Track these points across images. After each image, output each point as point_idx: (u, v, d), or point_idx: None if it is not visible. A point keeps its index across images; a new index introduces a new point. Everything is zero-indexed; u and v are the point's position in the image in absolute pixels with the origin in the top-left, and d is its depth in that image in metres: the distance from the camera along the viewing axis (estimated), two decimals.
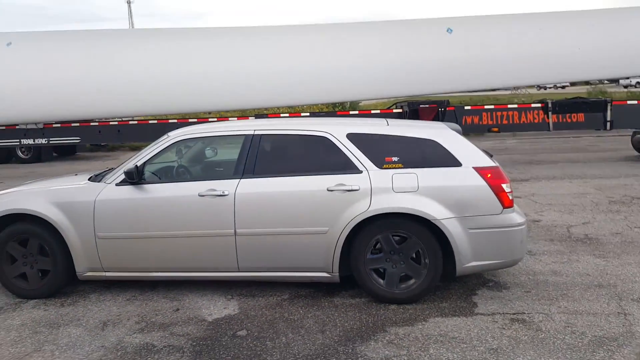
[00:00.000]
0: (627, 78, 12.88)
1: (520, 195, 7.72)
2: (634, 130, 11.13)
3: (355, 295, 3.95)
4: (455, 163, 3.83)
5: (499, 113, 11.06)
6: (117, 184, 4.08)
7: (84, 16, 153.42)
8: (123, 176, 4.04)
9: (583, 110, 10.74)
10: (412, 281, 3.78)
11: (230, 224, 3.86)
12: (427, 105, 10.61)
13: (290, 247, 3.84)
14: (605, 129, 10.74)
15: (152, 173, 4.18)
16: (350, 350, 3.12)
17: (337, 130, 4.03)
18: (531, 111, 10.95)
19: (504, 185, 3.78)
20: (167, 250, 3.98)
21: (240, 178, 3.94)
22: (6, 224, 4.16)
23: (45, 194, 4.19)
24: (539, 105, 10.92)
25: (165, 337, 3.40)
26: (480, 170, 3.79)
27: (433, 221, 3.68)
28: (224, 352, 3.16)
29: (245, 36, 11.30)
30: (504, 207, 3.74)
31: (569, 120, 10.80)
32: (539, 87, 33.86)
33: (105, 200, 4.03)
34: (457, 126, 4.26)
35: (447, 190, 3.74)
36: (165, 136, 4.32)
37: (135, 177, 3.98)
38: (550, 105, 10.72)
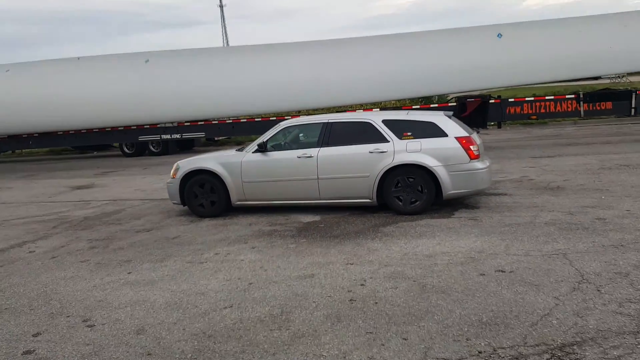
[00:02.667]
0: None
1: (535, 166, 10.03)
2: None
3: (385, 213, 6.83)
4: (444, 134, 6.58)
5: (537, 103, 13.16)
6: (252, 152, 7.32)
7: (180, 20, 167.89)
8: (256, 147, 7.28)
9: (611, 99, 12.52)
10: (417, 202, 6.60)
11: (314, 172, 6.92)
12: (472, 99, 13.01)
13: (349, 184, 6.83)
14: (631, 115, 12.42)
15: (271, 146, 7.35)
16: (375, 230, 6.04)
17: (376, 117, 6.97)
18: (565, 101, 12.92)
19: (471, 147, 6.47)
20: (280, 188, 7.14)
21: (320, 147, 6.99)
22: (192, 176, 7.56)
23: (214, 158, 7.57)
24: (572, 95, 12.85)
25: (283, 228, 6.53)
26: (457, 138, 6.51)
27: (429, 168, 6.48)
28: (313, 231, 6.21)
29: (327, 47, 14.43)
30: (471, 159, 6.44)
31: (598, 108, 12.62)
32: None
33: (247, 161, 7.29)
34: (450, 113, 6.99)
35: (437, 150, 6.51)
36: (277, 125, 7.52)
37: (262, 148, 7.20)
38: (581, 95, 12.63)
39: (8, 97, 15.46)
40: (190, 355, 3.28)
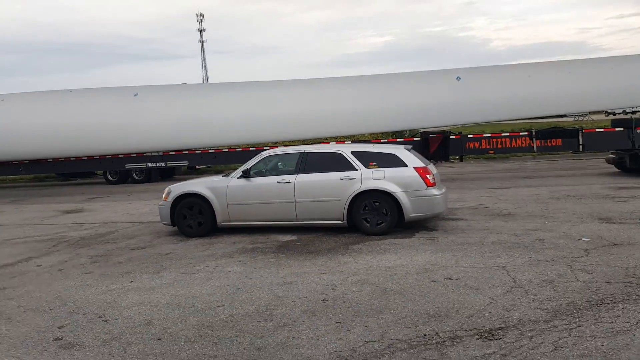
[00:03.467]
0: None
1: (491, 195, 11.13)
2: (611, 151, 14.08)
3: (354, 233, 7.69)
4: (404, 164, 7.58)
5: (494, 139, 14.44)
6: (237, 178, 8.15)
7: (163, 54, 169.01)
8: (241, 173, 8.12)
9: (560, 136, 13.89)
10: (383, 224, 7.50)
11: (292, 196, 7.77)
12: (434, 135, 14.21)
13: (322, 207, 7.69)
14: (579, 151, 13.79)
15: (254, 172, 8.20)
16: (345, 247, 6.88)
17: (346, 149, 7.93)
18: (519, 138, 14.23)
19: (428, 176, 7.47)
20: (262, 209, 7.95)
21: (297, 174, 7.87)
22: (182, 199, 8.31)
23: (202, 183, 8.36)
24: (526, 133, 14.19)
25: (263, 245, 7.31)
26: (416, 168, 7.51)
27: (392, 193, 7.42)
28: (290, 248, 7.02)
29: (304, 85, 15.57)
30: (428, 186, 7.42)
31: (550, 145, 13.97)
32: (607, 113, 35.49)
33: (232, 185, 8.10)
34: (409, 146, 8.02)
35: (398, 178, 7.48)
36: (259, 154, 8.41)
37: (246, 174, 8.04)
38: (534, 133, 13.97)
39: (1, 126, 15.94)
40: (193, 339, 4.02)
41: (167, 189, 8.54)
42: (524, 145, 13.95)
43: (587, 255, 5.87)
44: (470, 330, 3.96)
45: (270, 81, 16.52)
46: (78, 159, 17.63)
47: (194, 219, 8.23)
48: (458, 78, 14.41)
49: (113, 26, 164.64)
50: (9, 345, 4.16)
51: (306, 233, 7.90)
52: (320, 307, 4.60)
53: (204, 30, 73.80)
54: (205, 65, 75.05)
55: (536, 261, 5.77)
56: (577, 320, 4.00)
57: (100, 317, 4.66)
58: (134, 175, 19.69)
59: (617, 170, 13.90)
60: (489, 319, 4.17)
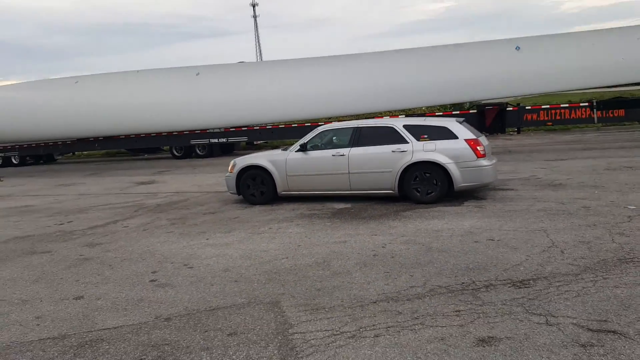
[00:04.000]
0: None
1: (546, 167, 11.18)
2: None
3: (405, 202, 8.21)
4: (455, 137, 7.94)
5: (553, 111, 14.22)
6: (295, 151, 8.86)
7: (215, 31, 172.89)
8: (298, 147, 8.81)
9: (623, 106, 13.48)
10: (433, 193, 7.96)
11: (346, 168, 8.38)
12: (490, 107, 14.22)
13: (375, 178, 8.26)
14: None
15: (311, 146, 8.87)
16: (396, 214, 7.44)
17: (398, 123, 8.39)
18: (579, 109, 13.96)
19: (478, 147, 7.80)
20: (318, 180, 8.64)
21: (351, 147, 8.45)
22: (246, 171, 9.15)
23: (264, 156, 9.16)
24: (586, 104, 13.86)
25: (320, 212, 8.01)
26: (466, 140, 7.86)
27: (442, 164, 7.84)
28: (344, 215, 7.67)
29: (361, 60, 15.91)
30: (478, 157, 7.77)
31: (611, 115, 13.60)
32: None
33: (291, 158, 8.82)
34: (462, 119, 8.34)
35: (449, 150, 7.87)
36: (315, 129, 9.05)
37: (304, 148, 8.73)
38: (595, 103, 13.64)
39: (77, 105, 17.62)
40: (264, 281, 4.80)
41: (232, 162, 9.41)
42: (584, 116, 13.67)
43: (629, 221, 6.08)
44: (504, 280, 4.45)
45: (323, 57, 16.98)
46: (147, 136, 19.13)
47: (257, 189, 9.06)
48: (517, 48, 14.22)
49: (167, 4, 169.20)
50: (115, 285, 5.14)
51: (359, 202, 8.52)
52: (371, 260, 5.24)
53: (257, 4, 74.18)
54: (258, 41, 75.89)
55: (577, 226, 6.07)
56: (604, 274, 4.38)
57: (185, 265, 5.56)
58: (197, 151, 20.99)
59: None
60: (523, 272, 4.63)
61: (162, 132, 18.51)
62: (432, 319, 3.72)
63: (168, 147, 20.82)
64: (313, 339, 3.54)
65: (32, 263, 6.21)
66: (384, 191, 8.32)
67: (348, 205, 8.32)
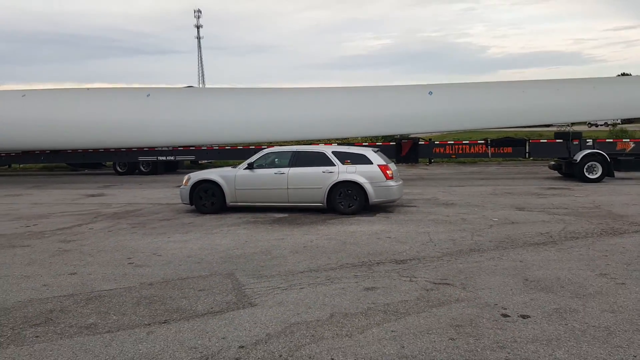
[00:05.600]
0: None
1: (446, 191, 13.66)
2: (552, 160, 16.71)
3: (331, 214, 10.15)
4: (370, 162, 10.08)
5: (456, 146, 16.98)
6: (243, 169, 10.58)
7: (157, 48, 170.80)
8: (246, 165, 10.56)
9: (510, 145, 16.48)
10: (353, 206, 9.98)
11: (285, 184, 10.23)
12: (405, 141, 16.75)
13: (309, 193, 10.16)
14: (525, 157, 16.38)
15: (256, 165, 10.62)
16: (323, 221, 9.34)
17: (328, 150, 10.42)
18: (477, 145, 16.79)
19: (387, 171, 9.98)
20: (262, 194, 10.40)
21: (290, 167, 10.32)
22: (199, 184, 10.70)
23: (215, 172, 10.80)
24: (482, 141, 16.76)
25: (262, 219, 9.73)
26: (379, 165, 10.01)
27: (360, 184, 9.91)
28: (283, 221, 9.45)
29: (297, 94, 18.00)
30: (387, 179, 9.93)
31: (502, 151, 16.56)
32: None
33: (239, 174, 10.53)
34: (376, 149, 10.52)
35: (366, 172, 9.97)
36: (260, 151, 10.86)
37: (251, 166, 10.49)
38: (489, 141, 16.55)
39: (25, 119, 18.18)
40: (220, 262, 6.46)
41: (187, 176, 10.94)
42: (480, 151, 16.50)
43: (489, 228, 8.39)
44: (390, 260, 6.44)
45: (270, 88, 18.92)
46: (95, 151, 19.88)
47: (208, 200, 10.63)
48: (430, 93, 16.94)
49: (108, 18, 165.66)
50: (100, 266, 6.56)
51: (295, 212, 10.35)
52: (302, 249, 7.06)
53: (201, 26, 75.01)
54: (201, 62, 76.95)
55: (452, 230, 8.27)
56: (456, 257, 6.51)
57: (154, 254, 7.07)
58: (142, 168, 21.60)
59: (560, 175, 16.53)
60: (404, 255, 6.65)
61: (110, 148, 19.38)
62: (339, 279, 5.60)
63: (111, 162, 21.57)
64: (259, 291, 5.28)
65: (17, 253, 7.41)
66: (316, 204, 10.22)
67: (286, 215, 10.12)
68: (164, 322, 4.48)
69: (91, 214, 11.01)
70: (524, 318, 4.38)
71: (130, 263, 6.63)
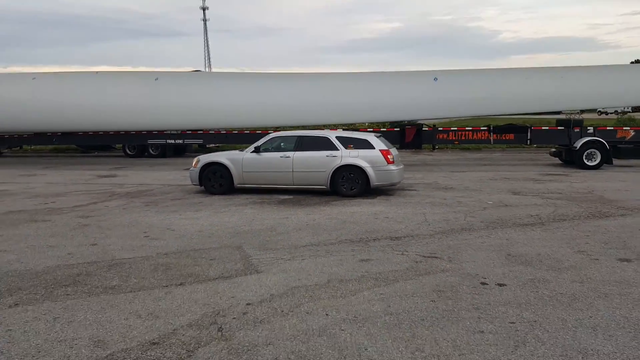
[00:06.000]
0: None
1: (447, 176, 14.10)
2: (553, 147, 17.05)
3: (334, 196, 10.65)
4: (372, 147, 10.54)
5: (459, 132, 17.34)
6: (250, 152, 11.09)
7: (162, 30, 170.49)
8: (253, 149, 11.06)
9: (513, 131, 16.83)
10: (355, 189, 10.48)
11: (290, 167, 10.73)
12: (409, 127, 17.14)
13: (312, 176, 10.66)
14: (527, 144, 16.73)
15: (263, 149, 11.12)
16: (326, 203, 9.86)
17: (332, 134, 10.89)
18: (480, 132, 17.15)
19: (389, 156, 10.44)
20: (268, 176, 10.91)
21: (295, 151, 10.81)
22: (208, 166, 11.23)
23: (224, 155, 11.32)
24: (485, 128, 17.11)
25: (269, 200, 10.26)
26: (381, 150, 10.47)
27: (362, 167, 10.39)
28: (287, 202, 9.98)
29: (305, 79, 18.37)
30: (388, 163, 10.40)
31: (504, 138, 16.91)
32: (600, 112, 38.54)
33: (246, 157, 11.04)
34: (379, 134, 10.97)
35: (368, 157, 10.44)
36: (267, 136, 11.35)
37: (257, 150, 10.99)
38: (492, 128, 16.89)
39: (36, 101, 18.73)
40: (229, 236, 7.01)
41: (196, 159, 11.47)
42: (483, 138, 16.86)
43: (482, 210, 8.86)
44: (386, 237, 6.95)
45: (276, 73, 19.27)
46: (105, 133, 20.47)
47: (217, 181, 11.17)
48: (435, 79, 17.24)
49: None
50: (118, 238, 7.13)
51: (300, 194, 10.87)
52: (304, 227, 7.59)
53: (207, 8, 74.06)
54: (207, 45, 76.22)
55: (447, 212, 8.75)
56: (448, 235, 7.01)
57: (168, 229, 7.64)
58: (151, 151, 22.04)
59: (560, 162, 16.88)
60: (399, 233, 7.15)
61: (120, 131, 19.95)
62: (337, 252, 6.13)
63: (120, 145, 22.13)
64: (264, 261, 5.82)
65: (40, 227, 8.01)
66: (319, 186, 10.72)
67: (291, 196, 10.64)
68: (180, 285, 5.04)
69: (105, 193, 11.60)
70: (501, 286, 4.89)
71: (146, 236, 7.20)
